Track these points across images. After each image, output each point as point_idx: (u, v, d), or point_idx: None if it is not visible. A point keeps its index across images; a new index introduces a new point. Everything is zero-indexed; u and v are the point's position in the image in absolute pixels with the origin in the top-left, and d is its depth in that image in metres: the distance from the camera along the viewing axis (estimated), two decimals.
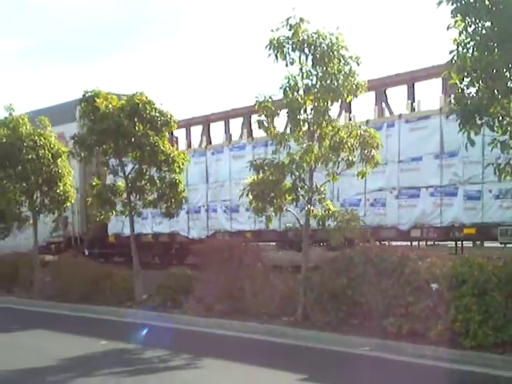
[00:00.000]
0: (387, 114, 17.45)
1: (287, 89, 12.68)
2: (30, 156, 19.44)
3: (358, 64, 12.76)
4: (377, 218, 16.48)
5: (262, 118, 13.11)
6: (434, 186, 15.68)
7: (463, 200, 15.14)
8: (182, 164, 17.05)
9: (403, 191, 16.18)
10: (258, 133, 21.61)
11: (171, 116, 16.94)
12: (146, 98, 16.73)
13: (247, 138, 20.47)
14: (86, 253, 23.17)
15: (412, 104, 16.85)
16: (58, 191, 20.04)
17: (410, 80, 16.92)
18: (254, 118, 22.01)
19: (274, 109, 12.99)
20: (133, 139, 16.53)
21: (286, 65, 12.75)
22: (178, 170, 16.97)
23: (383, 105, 17.74)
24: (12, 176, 19.95)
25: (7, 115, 20.22)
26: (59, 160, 20.03)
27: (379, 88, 17.24)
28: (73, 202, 20.73)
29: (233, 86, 73.96)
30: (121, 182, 17.45)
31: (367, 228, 15.43)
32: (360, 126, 13.24)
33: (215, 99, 68.57)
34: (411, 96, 16.97)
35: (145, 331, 13.80)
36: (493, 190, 14.59)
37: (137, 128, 16.61)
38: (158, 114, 16.73)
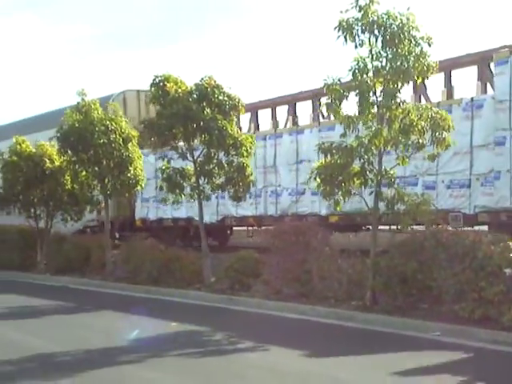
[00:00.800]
0: None
1: (356, 71, 12.51)
2: (101, 140, 19.71)
3: (430, 45, 12.50)
4: (353, 206, 16.54)
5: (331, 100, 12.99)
6: (400, 176, 16.43)
7: (422, 189, 16.29)
8: (250, 148, 17.05)
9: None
10: (263, 127, 23.55)
11: (239, 100, 16.97)
12: (215, 82, 16.78)
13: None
14: (117, 235, 23.86)
15: None
16: (128, 175, 20.36)
17: None
18: (261, 112, 24.20)
19: (342, 92, 12.87)
20: (201, 123, 16.62)
21: (356, 47, 12.60)
22: (245, 154, 16.99)
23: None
24: (84, 160, 20.35)
25: (79, 100, 20.56)
26: (130, 144, 20.34)
27: None
28: (143, 186, 21.07)
29: (299, 69, 73.71)
30: (189, 166, 17.61)
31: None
32: (431, 108, 12.99)
33: (281, 82, 68.47)
34: None
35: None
36: (445, 180, 16.19)
37: (205, 112, 16.71)
38: (226, 98, 16.78)
